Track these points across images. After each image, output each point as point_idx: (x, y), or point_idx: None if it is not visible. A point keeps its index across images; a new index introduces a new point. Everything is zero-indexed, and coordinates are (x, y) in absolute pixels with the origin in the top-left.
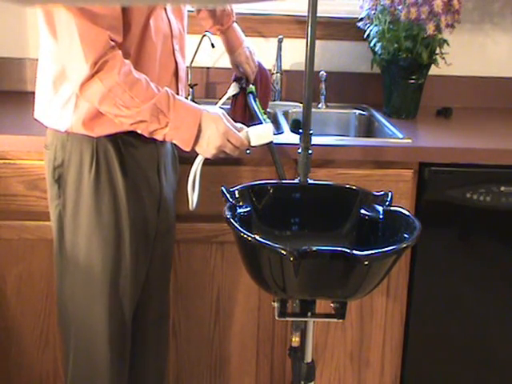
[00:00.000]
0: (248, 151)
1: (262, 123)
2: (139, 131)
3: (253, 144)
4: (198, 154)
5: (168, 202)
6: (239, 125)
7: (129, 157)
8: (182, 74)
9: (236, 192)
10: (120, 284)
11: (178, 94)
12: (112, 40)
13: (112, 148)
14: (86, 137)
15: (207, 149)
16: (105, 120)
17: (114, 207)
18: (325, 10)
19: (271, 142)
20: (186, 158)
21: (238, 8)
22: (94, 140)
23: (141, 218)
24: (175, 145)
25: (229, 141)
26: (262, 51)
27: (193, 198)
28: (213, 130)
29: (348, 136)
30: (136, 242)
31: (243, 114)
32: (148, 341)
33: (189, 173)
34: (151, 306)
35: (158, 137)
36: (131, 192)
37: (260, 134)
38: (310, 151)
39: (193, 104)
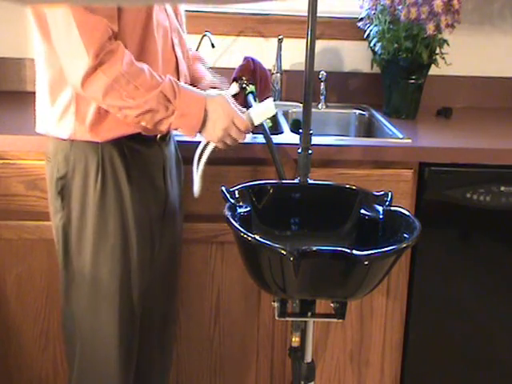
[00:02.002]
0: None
1: (262, 123)
2: (143, 123)
3: (256, 123)
4: (203, 145)
5: (173, 207)
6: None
7: (135, 163)
8: (182, 68)
9: (236, 192)
10: (129, 294)
11: None
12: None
13: (118, 156)
14: (90, 145)
15: (213, 132)
16: (109, 122)
17: (120, 217)
18: (325, 10)
19: (275, 115)
20: (186, 158)
21: (238, 8)
22: (99, 149)
23: (146, 224)
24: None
25: (234, 123)
26: (262, 51)
27: (198, 185)
28: (218, 112)
29: (348, 136)
30: (143, 249)
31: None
32: (153, 346)
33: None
34: (157, 311)
35: (163, 127)
36: (138, 200)
37: (261, 111)
38: (310, 151)
39: (196, 90)
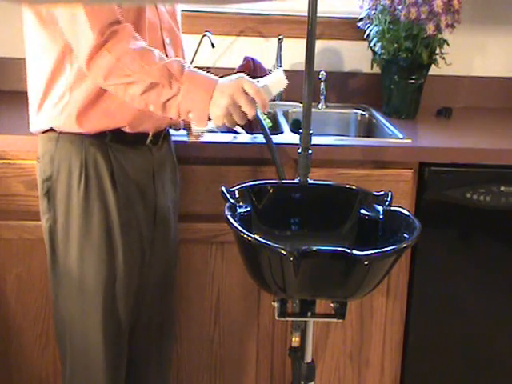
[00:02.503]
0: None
1: (262, 123)
2: (151, 107)
3: (268, 97)
4: None
5: (166, 212)
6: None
7: (120, 165)
8: None
9: (236, 192)
10: (114, 296)
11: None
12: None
13: (102, 157)
14: (74, 146)
15: (219, 102)
16: (96, 113)
17: (104, 219)
18: (325, 10)
19: (285, 87)
20: (185, 158)
21: (238, 8)
22: (83, 150)
23: (134, 229)
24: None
25: (243, 90)
26: (262, 51)
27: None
28: (226, 83)
29: (348, 136)
30: (130, 254)
31: None
32: (150, 355)
33: None
34: (153, 317)
35: (172, 110)
36: (122, 203)
37: (273, 84)
38: (309, 151)
39: (208, 74)
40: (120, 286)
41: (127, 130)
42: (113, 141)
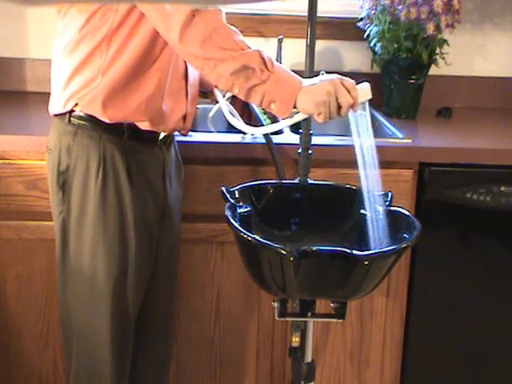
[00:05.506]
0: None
1: (262, 123)
2: (236, 90)
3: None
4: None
5: (172, 210)
6: None
7: (135, 163)
8: (190, 76)
9: (236, 192)
10: (124, 292)
11: (187, 96)
12: None
13: (119, 154)
14: (92, 140)
15: (319, 90)
16: (122, 101)
17: (119, 215)
18: (325, 10)
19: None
20: (185, 158)
21: (238, 8)
22: (101, 145)
23: (146, 226)
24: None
25: (342, 83)
26: None
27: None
28: (319, 83)
29: (348, 136)
30: (140, 250)
31: (242, 114)
32: (152, 347)
33: None
34: (155, 315)
35: (256, 96)
36: (137, 199)
37: (361, 92)
38: (310, 151)
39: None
40: (131, 282)
41: (146, 126)
42: (130, 138)
